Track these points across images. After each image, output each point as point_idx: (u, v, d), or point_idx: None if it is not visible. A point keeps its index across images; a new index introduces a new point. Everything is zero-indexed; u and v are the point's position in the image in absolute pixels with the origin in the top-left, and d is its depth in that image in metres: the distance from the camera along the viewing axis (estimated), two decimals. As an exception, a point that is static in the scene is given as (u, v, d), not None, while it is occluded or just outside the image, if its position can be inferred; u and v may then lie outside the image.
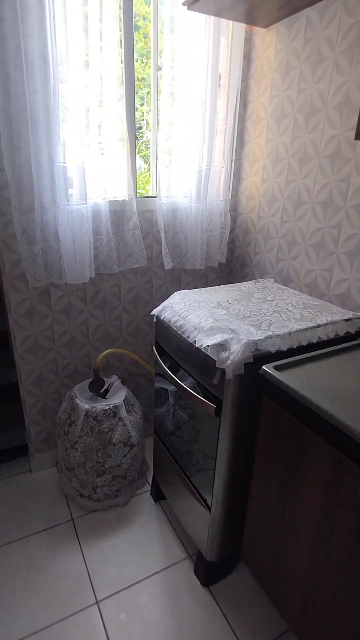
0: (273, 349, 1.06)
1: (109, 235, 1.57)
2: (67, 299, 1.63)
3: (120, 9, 1.39)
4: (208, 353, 1.06)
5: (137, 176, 1.66)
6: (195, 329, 1.15)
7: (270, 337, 1.06)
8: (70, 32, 1.27)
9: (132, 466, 1.63)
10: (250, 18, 1.47)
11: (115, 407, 1.54)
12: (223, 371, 1.03)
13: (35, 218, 1.40)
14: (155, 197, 1.67)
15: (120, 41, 1.43)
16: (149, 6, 1.52)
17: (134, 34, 1.46)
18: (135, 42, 1.47)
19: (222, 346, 1.05)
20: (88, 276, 1.54)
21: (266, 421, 1.04)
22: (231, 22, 1.54)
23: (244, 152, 1.77)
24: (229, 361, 1.01)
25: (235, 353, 1.01)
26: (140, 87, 1.74)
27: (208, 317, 1.17)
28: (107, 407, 1.52)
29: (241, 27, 1.56)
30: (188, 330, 1.17)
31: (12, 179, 1.33)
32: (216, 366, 1.04)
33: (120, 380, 1.70)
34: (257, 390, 1.06)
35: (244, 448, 1.14)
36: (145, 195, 1.74)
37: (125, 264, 1.68)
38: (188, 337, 1.17)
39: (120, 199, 1.59)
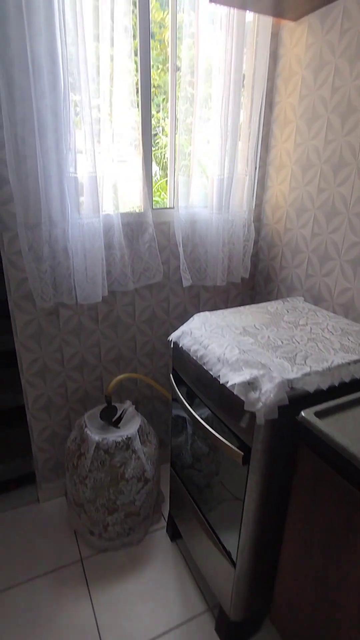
0: (311, 388, 0.90)
1: (122, 249, 1.45)
2: (78, 319, 1.51)
3: (133, 13, 1.27)
4: (235, 392, 0.91)
5: (153, 183, 1.54)
6: (219, 361, 1.01)
7: (308, 374, 0.91)
8: (80, 37, 1.15)
9: (147, 502, 1.49)
10: (279, 10, 1.33)
11: (128, 438, 1.40)
12: (253, 414, 0.88)
13: (43, 233, 1.28)
14: (173, 207, 1.53)
15: (136, 49, 1.31)
16: (165, 12, 1.39)
17: (150, 41, 1.33)
18: (151, 49, 1.34)
19: (251, 385, 0.90)
20: (101, 295, 1.41)
21: (304, 475, 0.88)
22: (256, 16, 1.40)
23: (270, 158, 1.62)
24: (260, 403, 0.86)
25: (267, 394, 0.87)
26: (156, 94, 1.61)
27: (233, 347, 1.03)
28: (119, 439, 1.38)
29: (267, 21, 1.42)
30: (210, 363, 1.03)
31: (18, 192, 1.22)
32: (245, 408, 0.89)
33: (134, 406, 1.57)
34: (293, 436, 0.91)
35: (275, 500, 0.99)
36: (161, 207, 1.61)
37: (140, 280, 1.55)
38: (211, 370, 1.02)
39: (135, 211, 1.46)
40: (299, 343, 1.07)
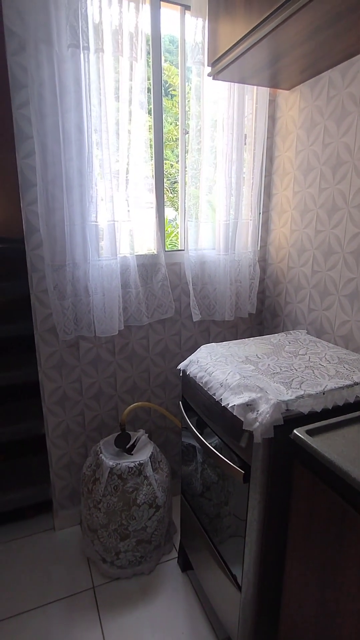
0: (305, 410, 0.98)
1: (137, 288, 1.60)
2: (96, 351, 1.64)
3: (149, 79, 1.50)
4: (234, 413, 1.00)
5: (172, 228, 1.71)
6: (222, 386, 1.10)
7: (301, 396, 0.99)
8: (103, 106, 1.37)
9: (158, 530, 1.53)
10: (274, 82, 1.54)
11: (140, 464, 1.47)
12: (251, 434, 0.96)
13: (67, 274, 1.45)
14: (183, 250, 1.69)
15: (150, 109, 1.53)
16: (171, 60, 1.63)
17: (167, 100, 1.56)
18: (169, 108, 1.57)
19: (249, 406, 0.99)
20: (117, 329, 1.55)
21: (299, 491, 0.94)
22: (255, 86, 1.61)
23: (272, 204, 1.79)
24: (257, 423, 0.94)
25: (263, 414, 0.95)
26: (174, 147, 1.83)
27: (235, 374, 1.12)
28: (132, 465, 1.46)
29: (265, 90, 1.63)
30: (214, 387, 1.12)
31: (46, 238, 1.40)
32: (243, 428, 0.97)
33: (147, 434, 1.65)
34: (289, 455, 0.98)
35: (278, 519, 1.03)
36: (173, 249, 1.77)
37: (154, 315, 1.68)
38: (214, 394, 1.11)
39: (149, 253, 1.63)
40: (296, 370, 1.15)
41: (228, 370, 1.15)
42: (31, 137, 1.35)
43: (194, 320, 1.72)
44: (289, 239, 1.70)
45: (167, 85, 1.83)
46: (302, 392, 1.01)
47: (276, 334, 1.50)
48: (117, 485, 1.44)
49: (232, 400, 1.03)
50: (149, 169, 1.52)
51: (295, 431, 0.91)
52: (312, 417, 0.99)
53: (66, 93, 1.32)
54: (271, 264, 1.83)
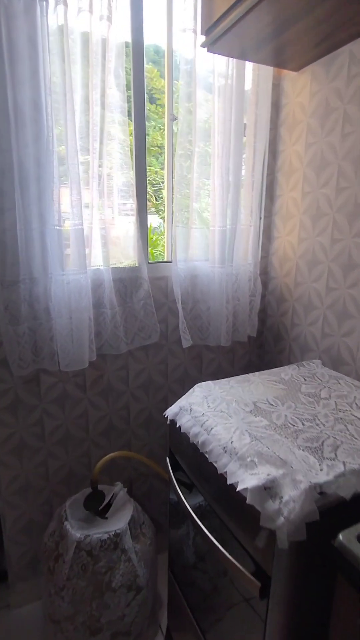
0: (348, 494, 0.68)
1: (113, 308, 1.29)
2: (62, 387, 1.31)
3: (127, 46, 1.21)
4: (247, 500, 0.69)
5: (156, 236, 1.42)
6: (226, 452, 0.80)
7: (342, 474, 0.70)
8: (67, 76, 1.06)
9: (139, 616, 1.21)
10: (280, 60, 1.27)
11: (116, 535, 1.15)
12: (272, 532, 0.66)
13: (22, 291, 1.13)
14: (171, 261, 1.40)
15: (129, 80, 1.23)
16: (158, 69, 1.34)
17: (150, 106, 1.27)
18: (149, 110, 1.28)
19: (268, 490, 0.68)
20: (87, 360, 1.23)
21: (342, 617, 0.64)
22: (256, 67, 1.34)
23: (275, 208, 1.51)
24: (282, 518, 0.64)
25: (290, 505, 0.65)
26: (159, 153, 1.54)
27: (243, 433, 0.82)
28: (105, 537, 1.13)
29: (267, 72, 1.36)
30: (215, 453, 0.82)
31: (-6, 247, 1.08)
32: (261, 524, 0.67)
33: (125, 489, 1.33)
34: (329, 561, 0.68)
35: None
36: (158, 260, 1.48)
37: (134, 341, 1.37)
38: (215, 462, 0.81)
39: (128, 265, 1.32)
40: (324, 425, 0.86)
41: (233, 426, 0.85)
42: (-27, 116, 1.03)
43: (184, 347, 1.41)
44: (296, 249, 1.43)
45: (149, 87, 1.51)
46: (342, 467, 0.71)
47: (287, 367, 1.21)
48: (85, 564, 1.12)
49: (242, 478, 0.73)
50: (128, 160, 1.22)
51: (340, 537, 0.61)
52: (356, 501, 0.70)
53: (18, 59, 1.01)
54: (274, 278, 1.55)
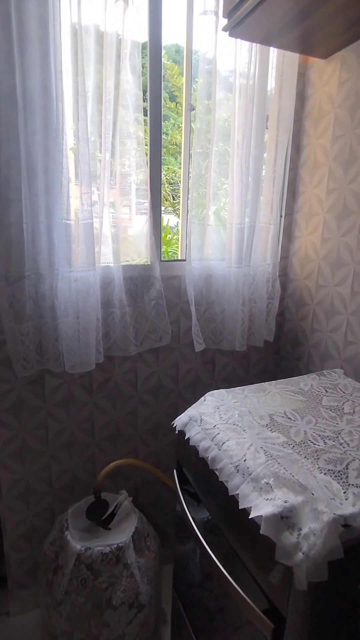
0: (377, 528, 0.60)
1: (123, 307, 1.22)
2: (67, 389, 1.26)
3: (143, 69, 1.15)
4: (262, 530, 0.61)
5: (171, 236, 1.35)
6: (238, 470, 0.72)
7: (371, 505, 0.61)
8: (79, 60, 1.00)
9: (140, 635, 1.14)
10: (306, 46, 1.18)
11: (119, 548, 1.08)
12: (289, 569, 0.58)
13: (27, 288, 1.07)
14: (185, 260, 1.32)
15: (145, 64, 1.17)
16: (175, 64, 1.27)
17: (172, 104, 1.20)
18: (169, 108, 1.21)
19: (285, 519, 0.60)
20: (94, 362, 1.17)
21: None
22: (281, 53, 1.26)
23: (297, 206, 1.42)
24: (301, 554, 0.56)
25: (311, 539, 0.57)
26: (178, 152, 1.47)
27: (258, 450, 0.74)
28: (107, 550, 1.07)
29: (293, 60, 1.28)
30: (226, 472, 0.74)
31: (-2, 240, 1.03)
32: (276, 559, 0.59)
33: (131, 498, 1.26)
34: (350, 602, 0.60)
35: None
36: (171, 259, 1.40)
37: (144, 343, 1.31)
38: (226, 482, 0.73)
39: (140, 263, 1.26)
40: (348, 445, 0.77)
41: (247, 442, 0.78)
42: (-20, 102, 0.98)
43: (197, 351, 1.34)
44: (318, 250, 1.33)
45: (170, 85, 1.44)
46: (371, 496, 0.63)
47: (306, 376, 1.12)
48: (85, 578, 1.05)
49: (256, 504, 0.65)
50: (142, 150, 1.15)
51: (370, 582, 0.52)
52: (386, 536, 0.61)
53: (28, 42, 0.95)
54: (294, 280, 1.46)
